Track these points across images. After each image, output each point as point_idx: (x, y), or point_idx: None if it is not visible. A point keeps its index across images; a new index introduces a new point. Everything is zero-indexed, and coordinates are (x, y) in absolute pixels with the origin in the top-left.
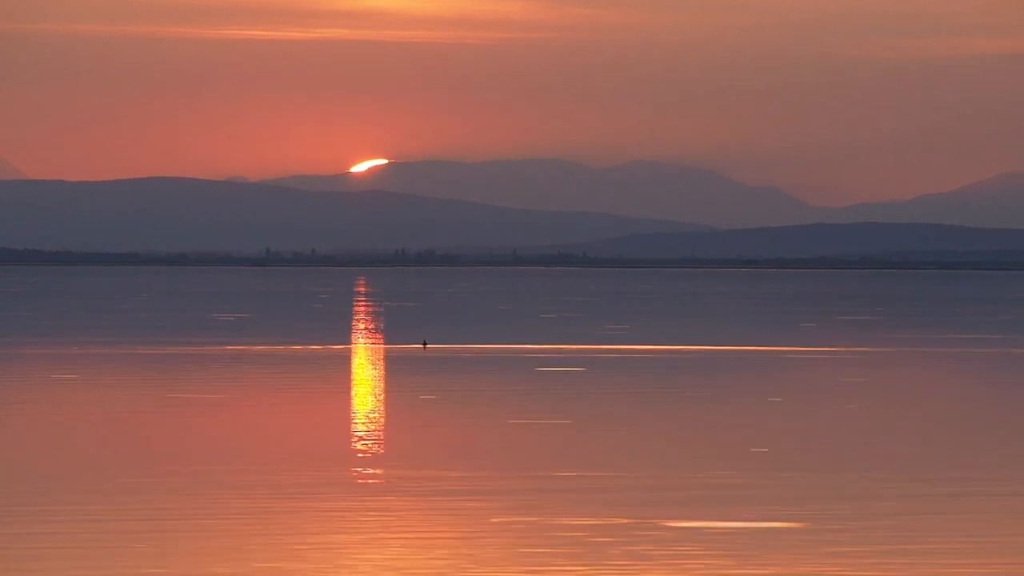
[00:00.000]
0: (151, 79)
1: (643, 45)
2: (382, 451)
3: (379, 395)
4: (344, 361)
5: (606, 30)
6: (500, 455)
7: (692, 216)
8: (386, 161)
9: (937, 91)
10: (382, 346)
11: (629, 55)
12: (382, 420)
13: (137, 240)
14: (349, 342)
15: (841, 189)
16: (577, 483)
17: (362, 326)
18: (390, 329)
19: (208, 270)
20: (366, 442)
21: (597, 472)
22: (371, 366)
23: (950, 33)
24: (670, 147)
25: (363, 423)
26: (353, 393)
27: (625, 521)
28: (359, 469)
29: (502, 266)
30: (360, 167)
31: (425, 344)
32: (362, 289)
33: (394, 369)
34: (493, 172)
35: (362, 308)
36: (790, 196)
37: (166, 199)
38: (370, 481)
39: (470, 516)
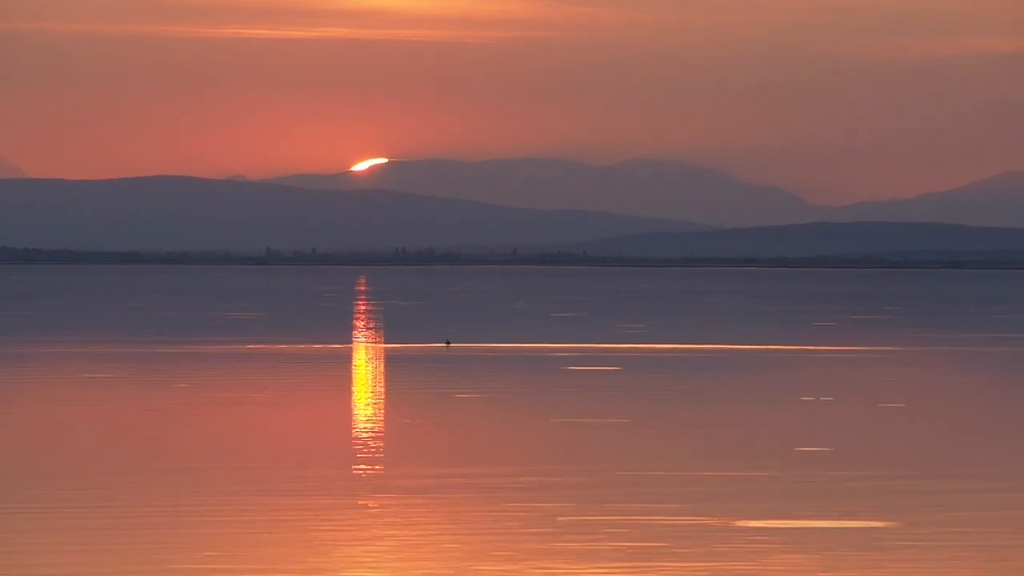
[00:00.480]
0: (151, 78)
1: (643, 44)
2: (441, 451)
3: (417, 395)
4: (372, 360)
5: (606, 29)
6: (559, 454)
7: (692, 215)
8: (386, 160)
9: (939, 90)
10: (405, 345)
11: (629, 54)
12: (429, 420)
13: (137, 239)
14: (371, 341)
15: (842, 188)
16: (652, 481)
17: (379, 325)
18: (409, 328)
19: (209, 269)
20: (418, 442)
21: (665, 470)
22: (400, 365)
23: (952, 32)
24: (670, 146)
25: (409, 423)
26: (389, 393)
27: (707, 520)
28: (419, 469)
29: (502, 265)
30: (360, 166)
31: (448, 343)
32: (367, 288)
33: (425, 368)
34: (493, 171)
35: (374, 307)
36: (791, 195)
37: (166, 198)
38: (435, 481)
39: (540, 514)
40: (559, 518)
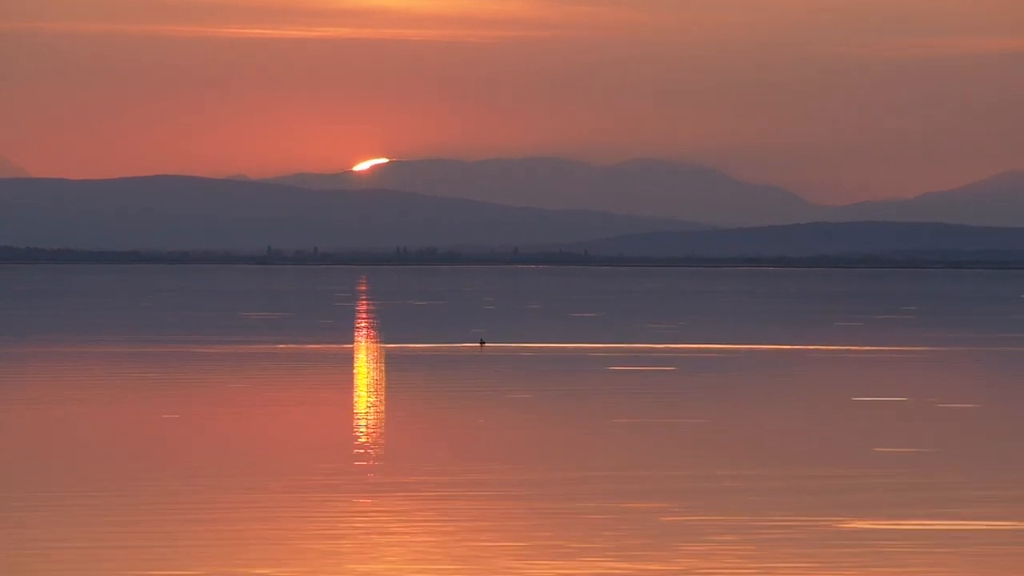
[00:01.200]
0: (152, 77)
1: (644, 43)
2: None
3: (473, 395)
4: (412, 361)
5: (606, 28)
6: (646, 457)
7: (693, 214)
8: (387, 160)
9: (939, 89)
10: (439, 345)
11: (630, 53)
12: (499, 421)
13: (138, 238)
14: (403, 342)
15: (842, 188)
16: (752, 482)
17: (406, 325)
18: (434, 329)
19: (211, 268)
20: (492, 444)
21: (760, 471)
22: (444, 366)
23: (952, 31)
24: (671, 145)
25: (484, 423)
26: (445, 395)
27: (822, 520)
28: (507, 468)
29: (503, 264)
30: (361, 166)
31: (482, 343)
32: (375, 288)
33: (468, 368)
34: (494, 170)
35: (392, 308)
36: (792, 194)
37: (167, 197)
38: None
39: (641, 516)
40: (663, 518)
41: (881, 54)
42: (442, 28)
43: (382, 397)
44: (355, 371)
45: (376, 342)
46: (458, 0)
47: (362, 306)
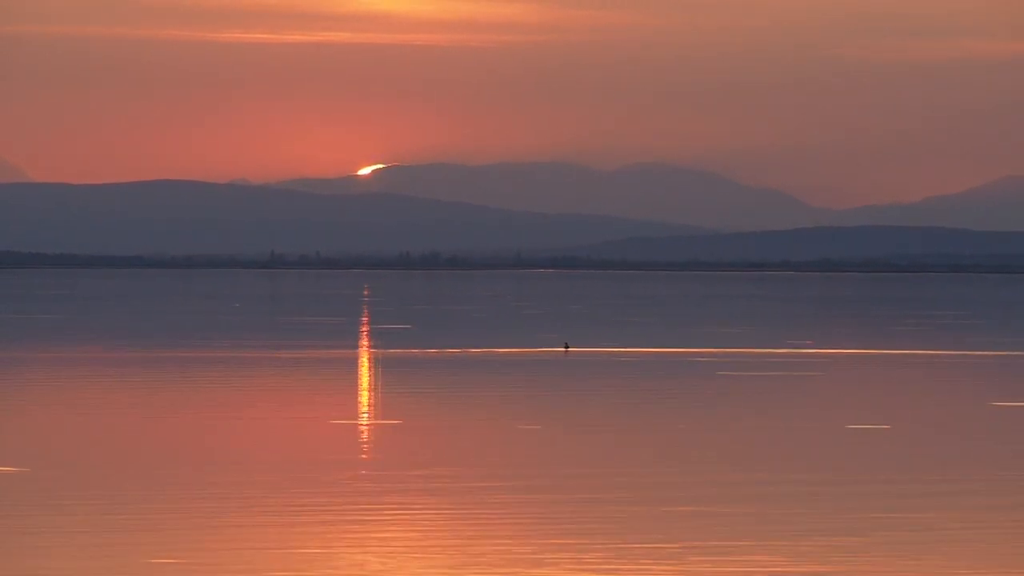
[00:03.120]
0: (154, 81)
1: (646, 47)
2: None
3: (608, 400)
4: (514, 366)
5: (609, 32)
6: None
7: (696, 219)
8: (390, 164)
9: (942, 93)
10: (524, 350)
11: (632, 57)
12: (657, 427)
13: (140, 243)
14: (489, 346)
15: (845, 192)
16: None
17: (473, 330)
18: (515, 332)
19: (218, 273)
20: (699, 451)
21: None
22: (554, 371)
23: (955, 35)
24: (674, 150)
25: (676, 428)
26: (579, 398)
27: None
28: (729, 472)
29: (508, 269)
30: (364, 170)
31: (567, 347)
32: (395, 293)
33: (583, 373)
34: (497, 175)
35: (436, 311)
36: (794, 199)
37: (169, 202)
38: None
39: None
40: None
41: (884, 57)
42: (445, 32)
43: (531, 403)
44: (482, 376)
45: (462, 348)
46: (461, 4)
47: (411, 311)
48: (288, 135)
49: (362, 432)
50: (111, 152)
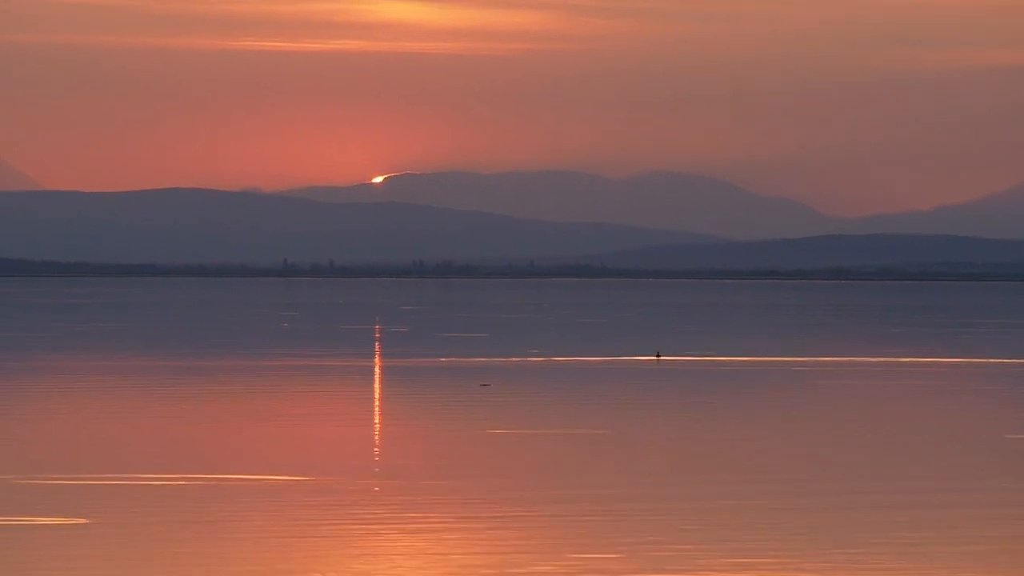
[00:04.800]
0: (165, 90)
1: (658, 56)
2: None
3: (748, 411)
4: (611, 374)
5: (621, 41)
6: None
7: (709, 227)
8: (402, 172)
9: (954, 101)
10: (613, 358)
11: (644, 66)
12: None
13: (152, 251)
14: (577, 355)
15: (858, 200)
16: None
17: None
18: (588, 340)
19: (234, 282)
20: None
21: None
22: (661, 379)
23: (967, 43)
24: (687, 158)
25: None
26: (722, 408)
27: None
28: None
29: (521, 278)
30: (376, 178)
31: (659, 355)
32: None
33: (697, 382)
34: (509, 183)
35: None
36: (807, 207)
37: (181, 210)
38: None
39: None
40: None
41: (896, 66)
42: (457, 41)
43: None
44: (580, 385)
45: (557, 355)
46: (473, 13)
47: (476, 318)
48: (300, 143)
49: (583, 443)
50: (122, 160)
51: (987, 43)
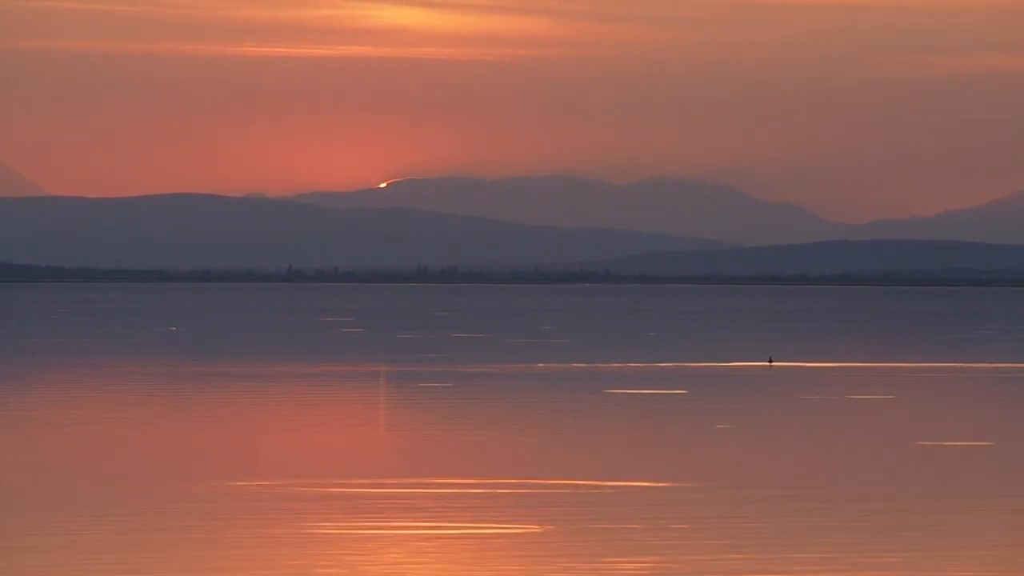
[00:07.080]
0: (170, 96)
1: (663, 61)
2: None
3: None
4: (732, 380)
5: (625, 47)
6: None
7: (712, 233)
8: (406, 178)
9: (959, 107)
10: (728, 364)
11: (648, 71)
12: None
13: (157, 257)
14: (689, 362)
15: (861, 206)
16: None
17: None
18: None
19: (243, 287)
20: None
21: None
22: (793, 385)
23: (972, 49)
24: (690, 164)
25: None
26: (854, 416)
27: None
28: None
29: (525, 283)
30: (380, 184)
31: (771, 361)
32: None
33: (849, 388)
34: (513, 189)
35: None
36: (811, 213)
37: (185, 215)
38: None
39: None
40: None
41: (899, 71)
42: (461, 46)
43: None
44: (716, 393)
45: (666, 361)
46: (477, 19)
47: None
48: (304, 149)
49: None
50: (127, 166)
51: (992, 49)
